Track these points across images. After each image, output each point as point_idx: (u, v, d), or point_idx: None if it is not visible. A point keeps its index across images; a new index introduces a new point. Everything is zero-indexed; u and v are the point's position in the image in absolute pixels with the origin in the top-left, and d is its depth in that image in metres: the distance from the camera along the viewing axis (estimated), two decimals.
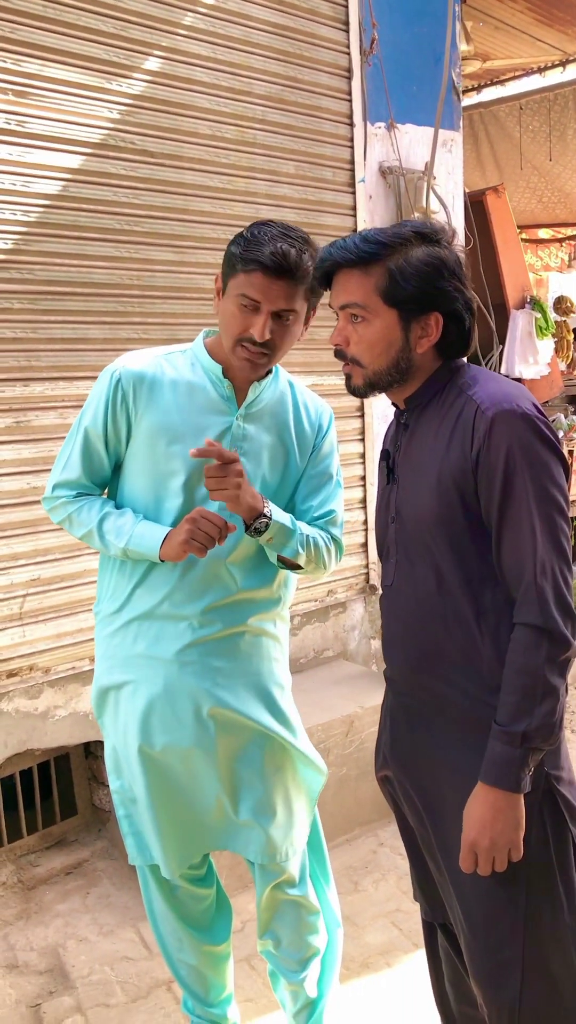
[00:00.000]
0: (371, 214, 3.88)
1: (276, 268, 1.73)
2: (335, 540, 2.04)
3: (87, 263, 2.99)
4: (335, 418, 2.13)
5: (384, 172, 3.90)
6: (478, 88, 7.59)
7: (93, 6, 2.94)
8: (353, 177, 3.80)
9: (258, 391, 1.93)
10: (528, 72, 7.37)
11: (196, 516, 1.78)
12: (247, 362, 1.83)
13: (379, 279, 1.54)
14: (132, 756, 1.96)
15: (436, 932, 1.87)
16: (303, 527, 1.95)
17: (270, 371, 1.97)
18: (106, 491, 2.04)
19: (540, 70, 7.30)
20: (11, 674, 2.93)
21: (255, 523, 1.82)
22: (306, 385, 2.13)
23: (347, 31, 3.72)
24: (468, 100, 7.42)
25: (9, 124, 2.79)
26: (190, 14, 3.19)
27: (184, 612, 1.91)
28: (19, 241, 2.83)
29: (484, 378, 1.59)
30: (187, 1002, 2.26)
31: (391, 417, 1.79)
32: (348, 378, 1.66)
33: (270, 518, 1.83)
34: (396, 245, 1.53)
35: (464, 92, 6.78)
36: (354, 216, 3.81)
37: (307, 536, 1.94)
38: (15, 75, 2.79)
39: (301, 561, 1.94)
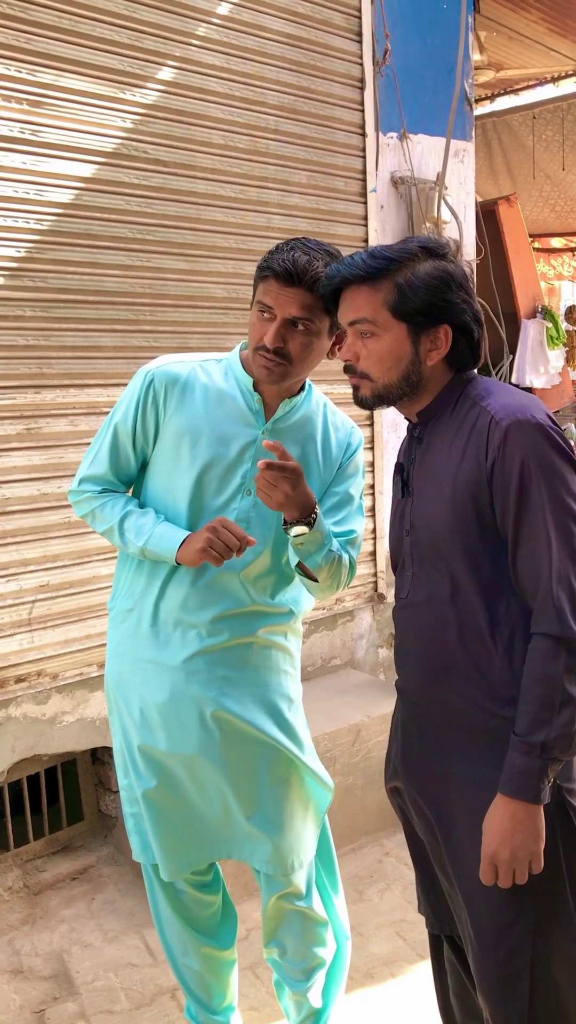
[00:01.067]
0: (383, 224, 3.89)
1: (286, 275, 1.75)
2: (352, 562, 2.02)
3: (99, 271, 3.01)
4: None
5: (396, 182, 3.91)
6: (491, 97, 7.60)
7: (107, 17, 2.97)
8: (365, 187, 3.81)
9: (288, 408, 1.94)
10: (542, 82, 7.38)
11: (217, 525, 1.78)
12: (264, 370, 1.84)
13: (388, 294, 1.55)
14: (135, 755, 1.98)
15: (442, 944, 1.87)
16: (333, 541, 1.96)
17: (302, 389, 1.99)
18: (131, 489, 2.06)
19: (554, 80, 7.31)
20: (19, 679, 2.94)
21: (306, 518, 1.80)
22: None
23: (360, 42, 3.73)
24: (481, 109, 7.43)
25: (23, 133, 2.81)
26: (204, 25, 3.21)
27: (194, 619, 1.92)
28: (32, 249, 2.85)
29: (497, 389, 1.60)
30: (190, 1008, 2.27)
31: (401, 426, 1.81)
32: (356, 389, 1.66)
33: (319, 516, 1.82)
34: (403, 260, 1.55)
35: (477, 101, 6.80)
36: (365, 226, 3.82)
37: (335, 550, 1.94)
38: (30, 85, 2.82)
39: (321, 575, 1.92)
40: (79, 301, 2.98)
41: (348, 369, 1.65)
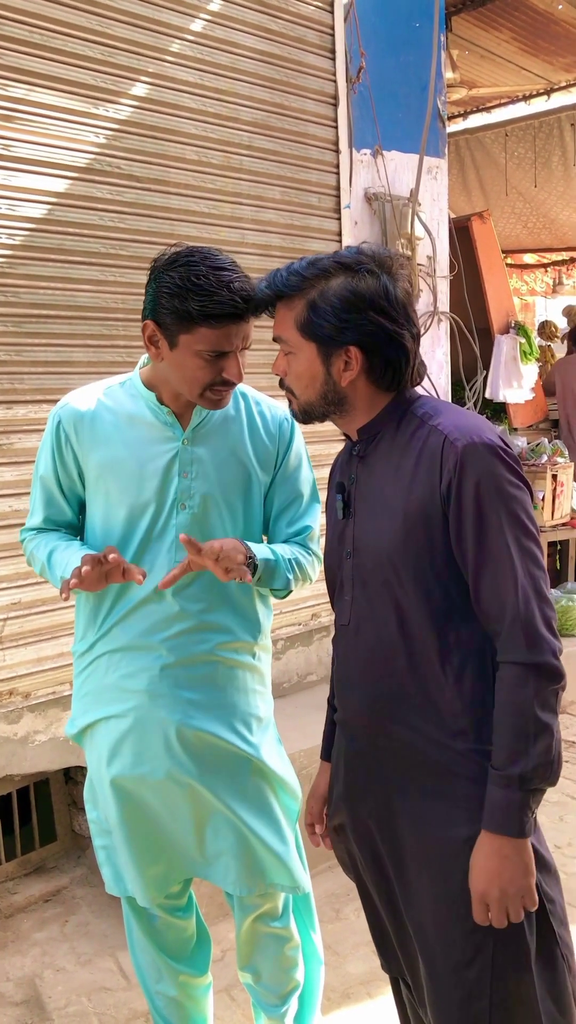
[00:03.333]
0: (356, 240, 3.90)
1: (244, 312, 1.69)
2: (314, 554, 2.01)
3: (72, 286, 2.99)
4: (314, 441, 2.10)
5: (369, 198, 3.93)
6: (464, 115, 7.69)
7: (80, 32, 2.96)
8: (339, 203, 3.83)
9: (204, 411, 1.88)
10: (513, 100, 7.48)
11: (88, 559, 1.71)
12: (220, 402, 1.81)
13: (298, 313, 1.52)
14: (106, 788, 1.94)
15: (399, 982, 1.82)
16: (283, 550, 1.93)
17: None
18: (81, 534, 2.03)
19: (525, 98, 7.41)
20: None
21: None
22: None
23: (334, 59, 3.75)
24: (454, 126, 7.51)
25: None
26: (177, 41, 3.22)
27: (148, 642, 1.88)
28: (4, 264, 2.83)
29: (445, 409, 1.55)
30: None
31: None
32: (288, 403, 1.65)
33: (255, 559, 1.80)
34: (314, 278, 1.50)
35: (450, 119, 6.87)
36: (339, 242, 3.83)
37: (290, 560, 1.92)
38: (2, 99, 2.80)
39: (290, 588, 1.93)
40: (52, 316, 2.96)
41: (280, 383, 1.63)
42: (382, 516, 1.53)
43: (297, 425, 2.01)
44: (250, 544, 1.84)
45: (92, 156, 3.02)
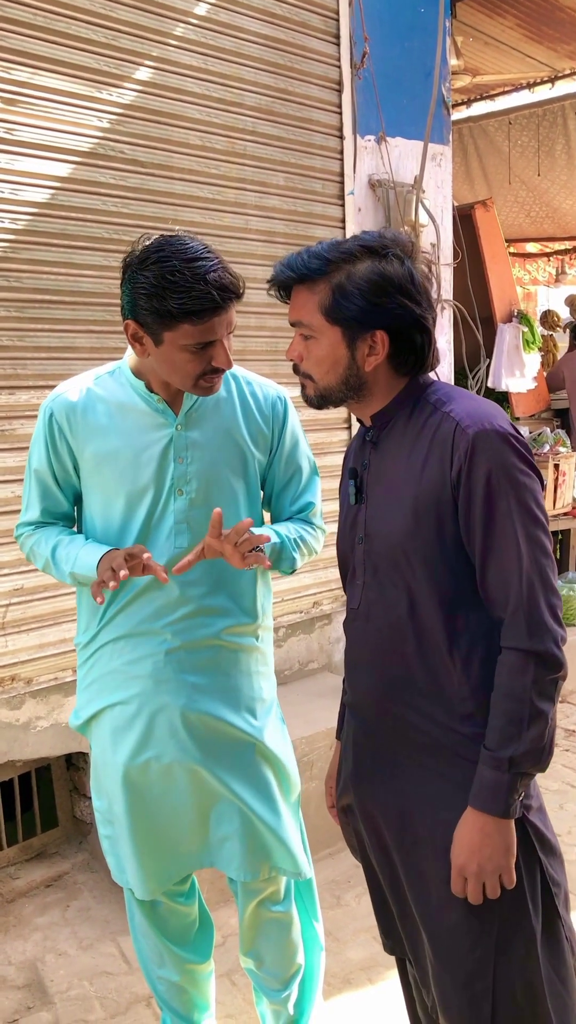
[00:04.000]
0: (360, 226, 3.89)
1: (225, 302, 1.68)
2: (318, 528, 2.04)
3: (75, 272, 2.98)
4: (316, 429, 2.10)
5: (373, 185, 3.91)
6: (468, 103, 7.64)
7: (84, 15, 2.94)
8: (342, 189, 3.81)
9: (194, 398, 1.87)
10: (517, 88, 7.42)
11: (117, 555, 1.73)
12: (212, 389, 1.81)
13: (322, 297, 1.49)
14: (111, 777, 1.94)
15: (405, 961, 1.85)
16: (288, 530, 1.95)
17: None
18: (76, 526, 2.03)
19: (529, 86, 7.36)
20: None
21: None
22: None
23: (338, 44, 3.73)
24: (458, 114, 7.46)
25: None
26: (181, 25, 3.20)
27: (154, 628, 1.88)
28: (7, 249, 2.82)
29: (459, 395, 1.55)
30: (166, 1021, 2.23)
31: None
32: (302, 388, 1.62)
33: (262, 546, 1.81)
34: (340, 261, 1.48)
35: (454, 106, 6.82)
36: (343, 228, 3.81)
37: (295, 540, 1.94)
38: (5, 83, 2.79)
39: (296, 567, 1.96)
40: (54, 302, 2.95)
41: (294, 368, 1.61)
42: (393, 502, 1.54)
43: (291, 403, 2.01)
44: (255, 529, 1.84)
45: (95, 141, 3.00)
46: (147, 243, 1.71)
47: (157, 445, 1.85)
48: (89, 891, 3.07)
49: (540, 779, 1.76)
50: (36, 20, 2.83)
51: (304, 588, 3.81)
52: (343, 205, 3.81)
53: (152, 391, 1.85)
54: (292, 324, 1.57)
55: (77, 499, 1.99)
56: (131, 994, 2.57)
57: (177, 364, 1.73)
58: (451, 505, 1.47)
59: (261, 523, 2.01)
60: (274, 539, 1.88)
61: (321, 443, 3.53)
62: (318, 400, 1.60)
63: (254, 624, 1.99)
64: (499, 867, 1.46)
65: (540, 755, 1.45)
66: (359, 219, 3.88)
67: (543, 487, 1.52)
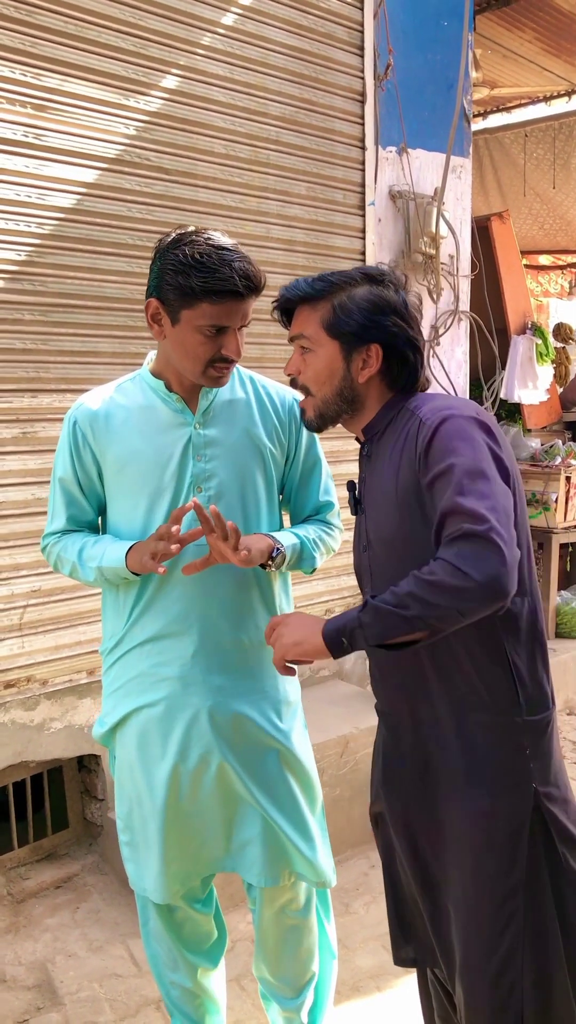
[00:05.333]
0: (380, 237, 3.91)
1: (247, 291, 1.74)
2: (336, 527, 2.09)
3: (99, 277, 3.01)
4: (338, 436, 2.14)
5: (394, 196, 3.94)
6: (484, 114, 7.67)
7: (114, 24, 2.97)
8: (363, 200, 3.83)
9: (211, 395, 1.92)
10: (534, 100, 7.45)
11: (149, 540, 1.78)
12: (221, 379, 1.85)
13: (324, 313, 1.63)
14: (139, 779, 1.95)
15: (427, 970, 1.86)
16: (307, 531, 1.99)
17: None
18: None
19: (546, 99, 7.39)
20: (8, 685, 2.92)
21: (272, 559, 1.86)
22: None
23: (362, 56, 3.76)
24: (474, 126, 7.47)
25: (27, 137, 2.81)
26: (209, 34, 3.22)
27: (180, 628, 1.90)
28: (32, 253, 2.84)
29: (432, 397, 1.64)
30: None
31: None
32: (302, 413, 1.73)
33: (283, 548, 1.86)
34: (342, 284, 1.64)
35: (472, 118, 6.85)
36: (363, 238, 3.83)
37: (315, 540, 1.99)
38: (35, 89, 2.81)
39: (316, 566, 2.01)
40: (78, 306, 2.97)
41: (292, 382, 1.73)
42: (382, 506, 1.62)
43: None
44: (275, 534, 1.89)
45: (122, 147, 3.03)
46: (181, 231, 1.79)
47: (177, 444, 1.88)
48: (99, 893, 3.08)
49: None
50: (67, 28, 2.86)
51: (317, 595, 3.83)
52: (363, 215, 3.84)
53: (171, 391, 1.89)
54: (292, 339, 1.70)
55: (101, 510, 2.01)
56: (140, 997, 2.58)
57: (189, 347, 1.78)
58: (426, 491, 1.50)
59: (280, 522, 2.04)
60: (293, 540, 1.92)
61: (336, 451, 3.55)
62: (317, 420, 1.71)
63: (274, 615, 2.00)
64: (288, 646, 1.54)
65: (386, 622, 1.41)
66: (379, 230, 3.90)
67: (509, 471, 1.52)
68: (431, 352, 4.19)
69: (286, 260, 3.52)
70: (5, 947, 2.80)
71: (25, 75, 2.79)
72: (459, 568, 1.35)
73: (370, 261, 3.87)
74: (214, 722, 1.91)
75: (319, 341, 1.64)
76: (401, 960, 1.83)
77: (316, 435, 2.05)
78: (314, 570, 2.05)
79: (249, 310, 1.80)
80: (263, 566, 1.87)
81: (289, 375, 1.72)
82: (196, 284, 1.71)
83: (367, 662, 1.82)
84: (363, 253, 3.84)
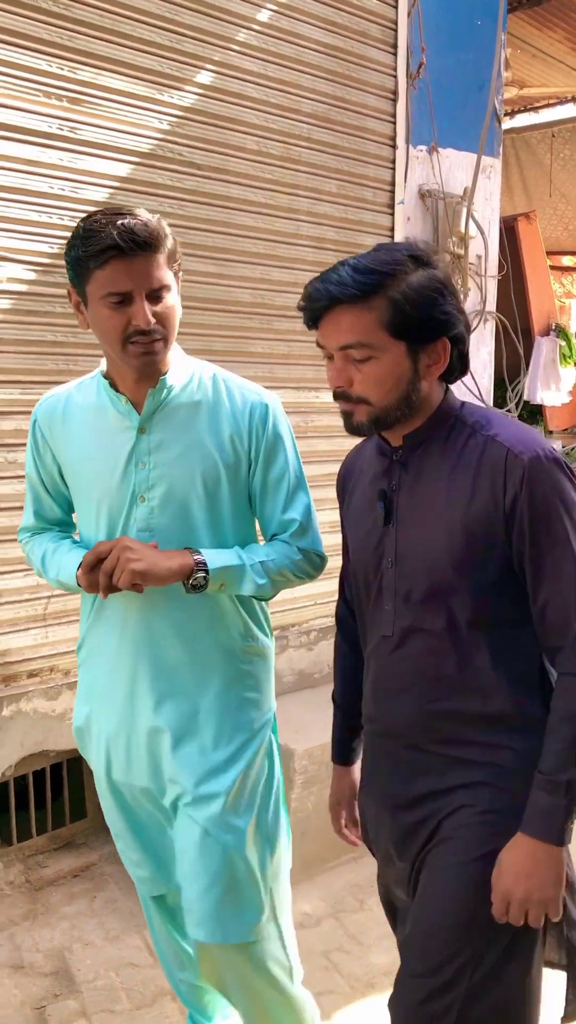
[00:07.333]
0: (408, 236, 3.90)
1: (130, 245, 1.57)
2: (304, 552, 1.85)
3: None
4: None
5: (423, 195, 3.94)
6: (512, 114, 7.65)
7: (149, 18, 2.98)
8: (393, 198, 3.83)
9: (159, 398, 1.75)
10: (562, 101, 7.43)
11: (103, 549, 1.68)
12: (145, 357, 1.66)
13: (382, 312, 1.41)
14: (101, 787, 1.96)
15: None
16: (257, 553, 1.80)
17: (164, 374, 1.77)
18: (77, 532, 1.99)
19: (574, 99, 7.36)
20: (31, 674, 2.94)
21: (191, 580, 1.69)
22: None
23: (395, 54, 3.75)
24: (503, 125, 7.46)
25: (62, 130, 2.82)
26: (244, 31, 3.23)
27: (125, 641, 1.83)
28: (64, 246, 2.84)
29: (497, 418, 1.52)
30: (193, 1017, 2.25)
31: None
32: (348, 416, 1.51)
33: (207, 569, 1.69)
34: (395, 273, 1.41)
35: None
36: (392, 237, 3.83)
37: (263, 562, 1.79)
38: (70, 82, 2.83)
39: (268, 593, 1.83)
40: None
41: (341, 396, 1.50)
42: (435, 527, 1.49)
43: (275, 410, 1.84)
44: (207, 551, 1.73)
45: (155, 142, 3.04)
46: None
47: (123, 448, 1.76)
48: (116, 883, 3.10)
49: None
50: (103, 22, 2.87)
51: (334, 592, 3.82)
52: (392, 214, 3.84)
53: (118, 390, 1.76)
54: (341, 348, 1.46)
55: (72, 505, 1.95)
56: (156, 987, 2.60)
57: (101, 325, 1.64)
58: (503, 530, 1.44)
59: (252, 537, 1.90)
60: (229, 561, 1.73)
61: (336, 452, 3.54)
62: (370, 424, 1.50)
63: (238, 643, 1.87)
64: (547, 896, 1.43)
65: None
66: (408, 228, 3.90)
67: None
68: None
69: (315, 258, 3.52)
70: (23, 933, 2.82)
71: (61, 68, 2.80)
72: None
73: None
74: (149, 745, 1.85)
75: (381, 345, 1.43)
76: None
77: (286, 443, 1.86)
78: (271, 596, 1.87)
79: (153, 271, 1.60)
80: (190, 587, 1.70)
81: (337, 388, 1.50)
82: (81, 252, 1.60)
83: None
84: None
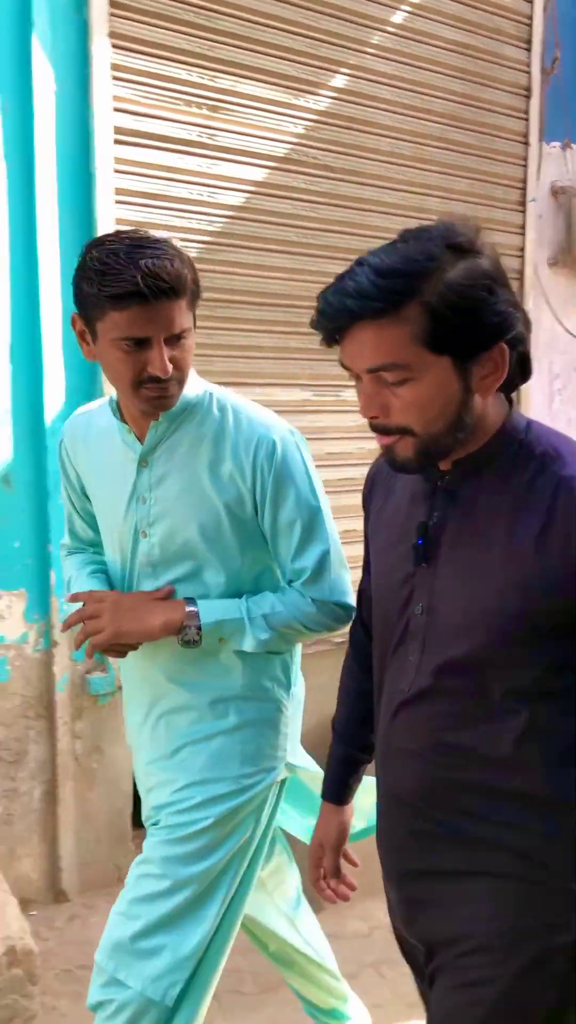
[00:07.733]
0: (539, 234, 3.87)
1: (155, 292, 1.41)
2: (318, 603, 1.65)
3: (264, 273, 3.09)
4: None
5: (556, 192, 3.89)
6: None
7: (287, 25, 3.04)
8: (524, 196, 3.80)
9: (160, 433, 1.61)
10: None
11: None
12: (157, 401, 1.53)
13: (416, 324, 1.11)
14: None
15: None
16: (263, 604, 1.64)
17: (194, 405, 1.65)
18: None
19: None
20: None
21: (182, 635, 1.59)
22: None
23: (528, 50, 3.72)
24: None
25: (201, 137, 2.91)
26: (378, 33, 3.26)
27: (132, 687, 1.81)
28: (203, 250, 2.94)
29: (569, 448, 1.22)
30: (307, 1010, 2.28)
31: None
32: (389, 451, 1.23)
33: (198, 624, 1.59)
34: (427, 272, 1.10)
35: None
36: (522, 235, 3.80)
37: (266, 615, 1.63)
38: (210, 90, 2.91)
39: (280, 647, 1.69)
40: (243, 302, 3.06)
41: (377, 428, 1.21)
42: (485, 581, 1.20)
43: (287, 447, 1.63)
44: (204, 603, 1.61)
45: (290, 146, 3.10)
46: (107, 232, 1.63)
47: (127, 481, 1.66)
48: None
49: None
50: (241, 31, 2.94)
51: None
52: (524, 212, 3.81)
53: (123, 420, 1.65)
54: (369, 371, 1.16)
55: None
56: (281, 974, 2.65)
57: (112, 365, 1.52)
58: (573, 593, 1.15)
59: (239, 583, 1.69)
60: (227, 614, 1.61)
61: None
62: (420, 461, 1.22)
63: (232, 696, 1.71)
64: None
65: None
66: (539, 226, 3.86)
67: None
68: None
69: None
70: None
71: (201, 77, 2.89)
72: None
73: (529, 259, 3.84)
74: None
75: (422, 364, 1.12)
76: None
77: (298, 484, 1.63)
78: (283, 651, 1.72)
79: (175, 316, 1.46)
80: (182, 643, 1.60)
81: (372, 419, 1.20)
82: (97, 290, 1.44)
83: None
84: (522, 249, 3.81)
